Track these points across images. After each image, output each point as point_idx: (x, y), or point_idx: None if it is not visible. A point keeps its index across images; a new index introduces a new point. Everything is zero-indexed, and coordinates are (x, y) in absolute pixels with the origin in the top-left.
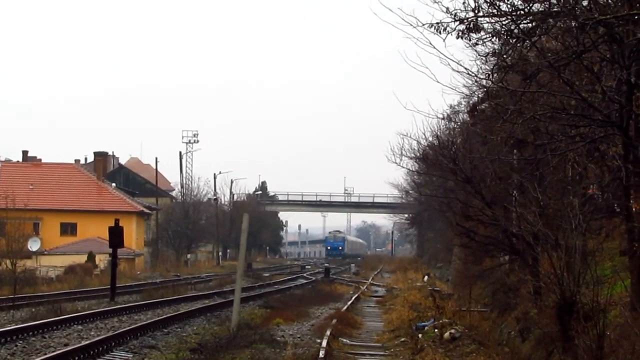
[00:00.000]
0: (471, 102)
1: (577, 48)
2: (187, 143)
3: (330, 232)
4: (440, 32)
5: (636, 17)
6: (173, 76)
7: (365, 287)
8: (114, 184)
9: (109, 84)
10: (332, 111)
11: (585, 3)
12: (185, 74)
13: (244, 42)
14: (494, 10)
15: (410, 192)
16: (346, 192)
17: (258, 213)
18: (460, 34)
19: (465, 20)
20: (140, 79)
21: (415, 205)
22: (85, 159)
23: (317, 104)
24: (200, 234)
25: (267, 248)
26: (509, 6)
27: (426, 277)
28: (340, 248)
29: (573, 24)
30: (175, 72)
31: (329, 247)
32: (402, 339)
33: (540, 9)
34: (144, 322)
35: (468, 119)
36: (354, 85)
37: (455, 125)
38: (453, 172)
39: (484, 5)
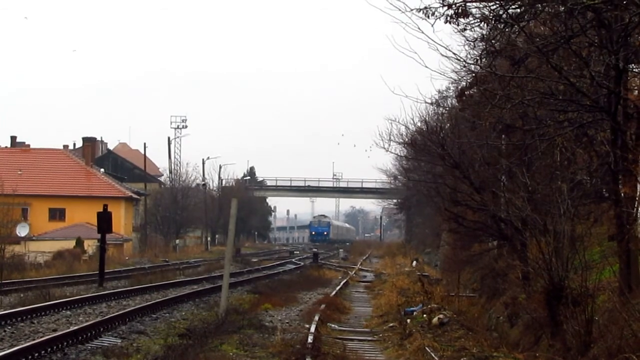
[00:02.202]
0: (459, 87)
1: (566, 33)
2: (175, 128)
3: (314, 217)
4: (428, 17)
5: (624, 2)
6: (161, 63)
7: (353, 272)
8: (102, 170)
9: (98, 72)
10: (321, 97)
11: None
12: (174, 62)
13: (238, 33)
14: None
15: (399, 177)
16: (335, 177)
17: (246, 198)
18: (448, 18)
19: (453, 5)
20: (127, 66)
21: (403, 191)
22: (74, 144)
23: (306, 92)
24: (189, 220)
25: (256, 233)
26: None
27: (414, 263)
28: (325, 233)
29: (561, 9)
30: (163, 60)
31: (313, 233)
32: (391, 324)
33: None
34: (133, 308)
35: (456, 104)
36: (345, 75)
37: (444, 111)
38: (441, 157)
39: None
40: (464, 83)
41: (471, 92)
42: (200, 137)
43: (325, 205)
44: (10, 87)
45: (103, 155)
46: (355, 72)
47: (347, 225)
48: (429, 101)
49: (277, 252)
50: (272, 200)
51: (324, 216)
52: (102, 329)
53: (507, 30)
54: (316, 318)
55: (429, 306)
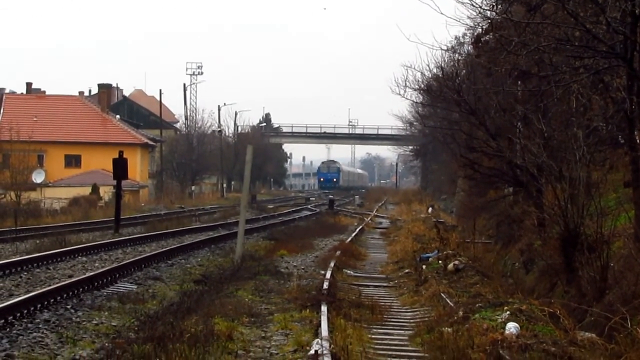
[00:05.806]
0: (475, 33)
1: None
2: (191, 75)
3: (323, 162)
4: None
5: None
6: (179, 11)
7: (369, 219)
8: (118, 116)
9: (115, 19)
10: (338, 45)
11: None
12: (193, 9)
13: None
14: None
15: (415, 123)
16: (350, 123)
17: (262, 145)
18: None
19: None
20: (144, 13)
21: (419, 137)
22: (89, 90)
23: (323, 38)
24: (205, 166)
25: (271, 180)
26: None
27: (430, 209)
28: (334, 180)
29: None
30: (181, 7)
31: (321, 179)
32: (406, 270)
33: None
34: (148, 254)
35: (472, 50)
36: (362, 22)
37: (460, 57)
38: (457, 103)
39: None
40: (480, 29)
41: (487, 38)
42: (216, 84)
43: (341, 152)
44: (26, 33)
45: (119, 102)
46: (374, 21)
47: (359, 170)
48: (445, 47)
49: (292, 199)
50: (288, 147)
51: (333, 161)
52: (117, 275)
53: None
54: (332, 264)
55: (445, 252)
